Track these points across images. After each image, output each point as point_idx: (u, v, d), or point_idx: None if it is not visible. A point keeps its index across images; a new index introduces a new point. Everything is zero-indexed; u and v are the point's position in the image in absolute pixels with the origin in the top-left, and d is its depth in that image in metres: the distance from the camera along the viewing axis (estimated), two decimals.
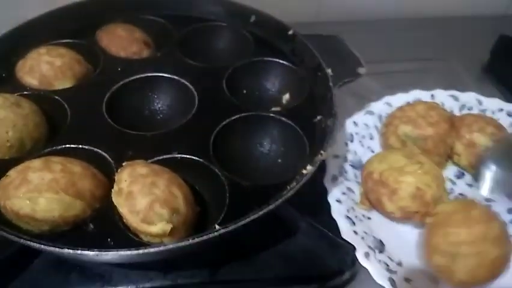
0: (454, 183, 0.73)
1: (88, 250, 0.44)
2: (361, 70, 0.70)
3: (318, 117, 0.65)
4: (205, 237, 0.46)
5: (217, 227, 0.48)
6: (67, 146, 0.59)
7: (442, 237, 0.57)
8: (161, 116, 0.71)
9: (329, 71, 0.67)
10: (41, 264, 0.58)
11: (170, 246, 0.45)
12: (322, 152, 0.56)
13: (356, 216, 0.65)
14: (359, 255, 0.59)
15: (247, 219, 0.48)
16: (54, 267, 0.58)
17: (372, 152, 0.76)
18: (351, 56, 0.73)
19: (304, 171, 0.54)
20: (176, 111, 0.70)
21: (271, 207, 0.49)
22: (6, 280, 0.56)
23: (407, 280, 0.59)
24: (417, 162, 0.64)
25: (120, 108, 0.67)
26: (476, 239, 0.56)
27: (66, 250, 0.44)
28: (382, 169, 0.65)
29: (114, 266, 0.58)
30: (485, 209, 0.60)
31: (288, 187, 0.52)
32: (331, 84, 0.65)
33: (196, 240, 0.45)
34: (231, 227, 0.47)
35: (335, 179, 0.69)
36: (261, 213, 0.49)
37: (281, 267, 0.60)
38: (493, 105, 0.81)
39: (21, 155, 0.58)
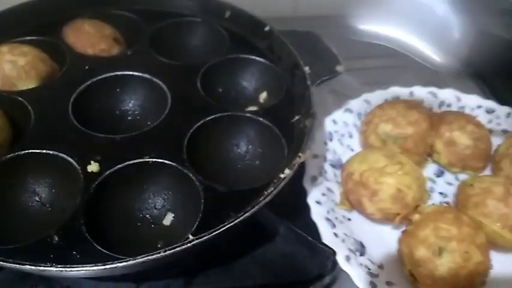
0: (434, 181, 0.71)
1: (51, 266, 0.41)
2: (339, 68, 0.68)
3: (297, 117, 0.62)
4: (177, 249, 0.43)
5: (190, 236, 0.45)
6: (31, 151, 0.55)
7: (432, 231, 0.57)
8: (132, 117, 0.68)
9: (307, 69, 0.64)
10: (5, 276, 0.55)
11: (140, 259, 0.42)
12: (300, 154, 0.54)
13: (336, 218, 0.63)
14: (340, 259, 0.58)
15: (222, 229, 0.46)
16: (20, 280, 0.55)
17: (352, 150, 0.74)
18: (328, 52, 0.71)
19: (282, 175, 0.52)
20: (149, 111, 0.67)
21: (247, 214, 0.47)
22: None
23: (389, 283, 0.58)
24: (397, 162, 0.63)
25: (88, 109, 0.64)
26: (465, 238, 0.56)
27: (27, 266, 0.41)
28: (362, 169, 0.63)
29: (83, 278, 0.55)
30: (473, 218, 0.61)
31: (265, 192, 0.50)
32: (309, 83, 0.63)
33: (168, 252, 0.43)
34: (205, 237, 0.45)
35: (314, 179, 0.67)
36: (236, 221, 0.46)
37: (260, 273, 0.58)
38: (471, 102, 0.80)
39: None
